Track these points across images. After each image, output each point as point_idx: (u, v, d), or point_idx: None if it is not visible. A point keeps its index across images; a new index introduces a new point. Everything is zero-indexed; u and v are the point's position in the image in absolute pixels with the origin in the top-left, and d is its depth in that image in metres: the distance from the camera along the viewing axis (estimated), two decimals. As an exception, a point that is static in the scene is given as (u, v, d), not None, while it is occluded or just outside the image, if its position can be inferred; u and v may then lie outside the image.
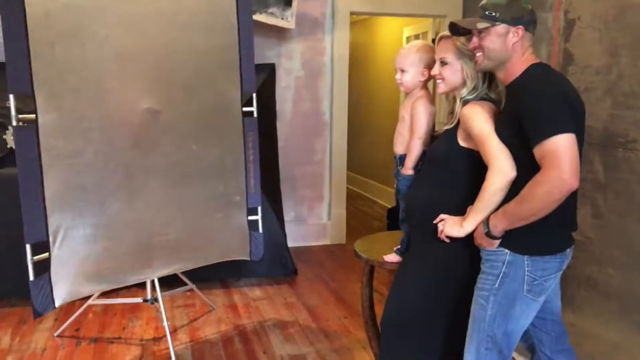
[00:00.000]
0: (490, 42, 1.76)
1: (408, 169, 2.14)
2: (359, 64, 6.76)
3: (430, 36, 5.21)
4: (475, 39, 1.80)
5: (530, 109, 1.62)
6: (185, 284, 3.47)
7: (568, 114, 1.60)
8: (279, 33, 4.57)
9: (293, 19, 4.34)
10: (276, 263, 4.09)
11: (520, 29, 1.74)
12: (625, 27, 3.08)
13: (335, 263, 4.58)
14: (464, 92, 1.92)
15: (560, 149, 1.56)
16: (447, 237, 1.86)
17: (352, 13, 4.73)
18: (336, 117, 4.91)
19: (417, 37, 5.62)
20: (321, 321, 3.41)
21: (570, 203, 1.69)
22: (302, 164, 4.91)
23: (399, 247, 2.26)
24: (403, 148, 2.18)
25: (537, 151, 1.60)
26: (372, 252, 2.40)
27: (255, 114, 3.25)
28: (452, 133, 1.93)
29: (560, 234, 1.74)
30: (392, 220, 4.25)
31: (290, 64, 4.74)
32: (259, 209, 3.32)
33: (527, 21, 1.75)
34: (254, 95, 3.24)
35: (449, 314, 1.92)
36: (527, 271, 1.71)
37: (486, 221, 1.73)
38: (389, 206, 6.28)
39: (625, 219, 3.01)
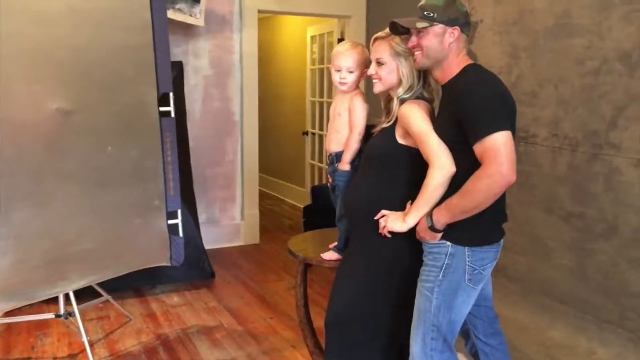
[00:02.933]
0: (428, 42, 1.83)
1: (346, 164, 2.16)
2: (262, 63, 6.72)
3: (335, 36, 5.30)
4: (414, 38, 1.86)
5: (469, 108, 1.70)
6: (99, 295, 3.28)
7: (504, 112, 1.70)
8: (187, 30, 4.44)
9: (202, 16, 4.23)
10: (193, 267, 3.97)
11: (456, 30, 1.82)
12: (524, 30, 3.33)
13: (252, 264, 4.54)
14: (400, 91, 1.98)
15: (499, 146, 1.65)
16: (389, 232, 1.91)
17: (260, 11, 4.70)
18: (246, 117, 4.86)
19: (321, 37, 5.70)
20: (246, 323, 3.36)
21: (502, 197, 1.80)
22: (213, 165, 4.81)
23: (335, 244, 2.29)
24: (339, 145, 2.21)
25: (477, 148, 1.69)
26: (308, 250, 2.41)
27: (172, 114, 3.14)
28: (390, 131, 1.98)
29: (496, 225, 1.85)
30: (309, 218, 4.29)
31: (198, 63, 4.62)
32: (179, 212, 3.22)
33: (463, 23, 1.83)
34: (171, 94, 3.13)
35: (393, 308, 1.98)
36: (468, 262, 1.80)
37: (429, 215, 1.80)
38: (300, 205, 6.33)
39: (527, 209, 3.26)
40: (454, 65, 1.84)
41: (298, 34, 6.25)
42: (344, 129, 2.20)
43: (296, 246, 2.46)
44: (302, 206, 6.25)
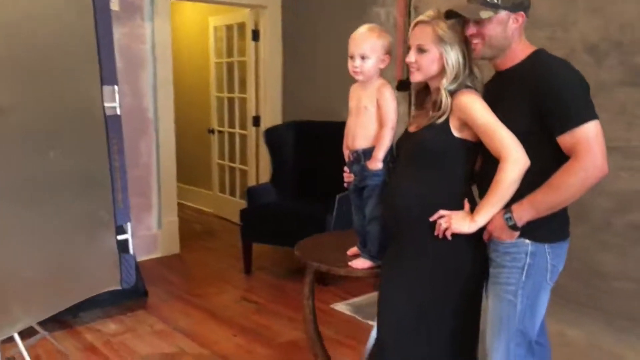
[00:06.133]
0: (492, 30, 1.70)
1: (379, 162, 1.95)
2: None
3: (249, 26, 4.97)
4: (473, 27, 1.72)
5: (557, 96, 1.60)
6: (33, 333, 2.69)
7: (591, 100, 1.62)
8: (94, 15, 3.84)
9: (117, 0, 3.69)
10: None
11: (520, 16, 1.71)
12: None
13: (180, 276, 4.09)
14: (444, 81, 1.82)
15: (592, 136, 1.57)
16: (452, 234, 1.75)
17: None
18: (161, 114, 4.37)
19: (229, 28, 5.33)
20: (211, 345, 2.98)
21: None
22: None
23: (362, 250, 2.07)
24: (367, 141, 1.99)
25: (566, 139, 1.59)
26: (325, 259, 2.15)
27: (118, 111, 2.68)
28: (443, 124, 1.80)
29: (567, 217, 1.77)
30: (248, 222, 3.96)
31: (107, 52, 4.03)
32: (129, 225, 2.76)
33: (527, 6, 1.72)
34: (116, 88, 2.67)
35: (457, 315, 1.81)
36: (549, 259, 1.70)
37: (508, 213, 1.66)
38: (207, 209, 5.90)
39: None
40: (519, 50, 1.73)
41: (199, 25, 5.79)
42: (372, 124, 1.99)
43: (308, 254, 2.18)
44: (210, 211, 5.86)
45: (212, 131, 5.71)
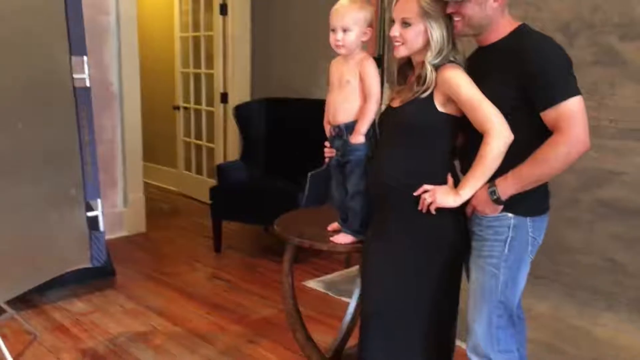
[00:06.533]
0: (470, 10, 1.69)
1: (362, 136, 1.94)
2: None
3: (217, 0, 4.85)
4: (452, 5, 1.71)
5: (543, 71, 1.61)
6: (3, 312, 2.60)
7: (574, 76, 1.65)
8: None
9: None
10: (91, 265, 3.37)
11: None
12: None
13: (150, 255, 4.03)
14: (428, 55, 1.81)
15: (576, 111, 1.60)
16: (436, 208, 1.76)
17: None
18: (126, 88, 4.24)
19: (195, 1, 5.19)
20: (184, 323, 2.95)
21: None
22: (90, 145, 4.12)
23: (342, 224, 2.06)
24: (350, 115, 1.97)
25: (550, 113, 1.61)
26: (305, 234, 2.13)
27: (87, 83, 2.58)
28: (427, 98, 1.80)
29: (547, 191, 1.80)
30: (219, 200, 3.90)
31: (69, 23, 3.88)
32: (99, 202, 2.69)
33: None
34: (85, 58, 2.57)
35: (441, 288, 1.84)
36: (531, 232, 1.73)
37: (492, 186, 1.68)
38: (173, 188, 5.79)
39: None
40: (502, 26, 1.74)
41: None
42: (355, 98, 1.97)
43: (288, 230, 2.17)
44: (175, 189, 5.76)
45: (177, 108, 5.58)
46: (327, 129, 2.08)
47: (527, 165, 1.65)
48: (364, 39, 1.97)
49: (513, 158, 1.67)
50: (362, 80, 1.95)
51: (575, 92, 1.61)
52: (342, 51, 1.97)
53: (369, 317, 1.88)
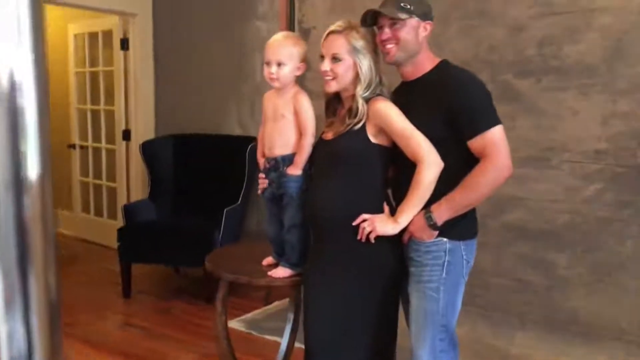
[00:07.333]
0: (406, 34, 1.79)
1: (299, 169, 1.95)
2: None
3: (117, 35, 4.70)
4: (387, 30, 1.80)
5: (467, 104, 1.72)
6: None
7: (494, 107, 1.77)
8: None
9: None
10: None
11: (429, 24, 1.82)
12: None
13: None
14: (359, 89, 1.87)
15: (499, 139, 1.72)
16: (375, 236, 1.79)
17: (45, 1, 3.87)
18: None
19: (92, 35, 4.99)
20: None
21: None
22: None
23: (277, 259, 2.04)
24: (286, 148, 1.98)
25: (477, 142, 1.71)
26: (238, 271, 2.08)
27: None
28: (360, 131, 1.85)
29: (475, 216, 1.90)
30: (127, 240, 3.68)
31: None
32: None
33: (432, 17, 1.84)
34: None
35: (379, 316, 1.85)
36: (464, 255, 1.81)
37: (428, 212, 1.75)
38: (70, 233, 5.38)
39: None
40: (426, 59, 1.84)
41: (57, 32, 5.34)
42: (291, 131, 1.98)
43: (221, 267, 2.10)
44: (71, 234, 5.37)
45: (73, 146, 5.27)
46: (261, 162, 2.07)
47: (459, 191, 1.73)
48: (298, 73, 2.00)
49: (444, 184, 1.75)
50: (296, 114, 1.97)
51: (497, 121, 1.73)
52: (275, 84, 1.98)
53: (314, 356, 1.85)
